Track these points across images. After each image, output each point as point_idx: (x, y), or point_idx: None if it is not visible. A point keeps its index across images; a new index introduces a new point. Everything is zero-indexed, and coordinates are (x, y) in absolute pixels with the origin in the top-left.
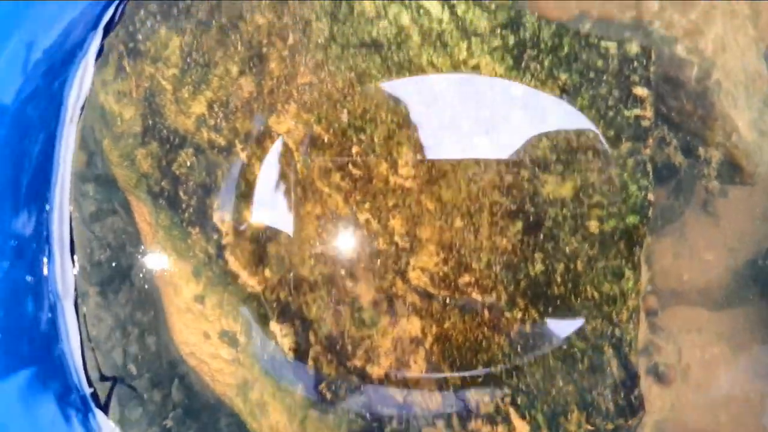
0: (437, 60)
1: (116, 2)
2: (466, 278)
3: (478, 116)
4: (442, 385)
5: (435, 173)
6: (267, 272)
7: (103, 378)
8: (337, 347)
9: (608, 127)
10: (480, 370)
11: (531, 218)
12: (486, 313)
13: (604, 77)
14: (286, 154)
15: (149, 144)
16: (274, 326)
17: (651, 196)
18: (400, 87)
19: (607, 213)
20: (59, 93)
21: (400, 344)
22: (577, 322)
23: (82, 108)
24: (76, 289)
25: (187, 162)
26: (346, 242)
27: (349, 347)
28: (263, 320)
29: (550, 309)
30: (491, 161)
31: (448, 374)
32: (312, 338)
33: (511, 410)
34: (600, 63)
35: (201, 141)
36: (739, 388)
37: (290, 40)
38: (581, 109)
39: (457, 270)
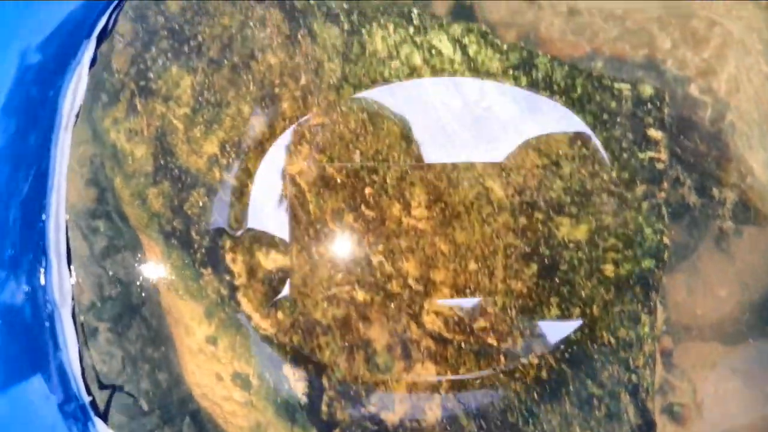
0: (450, 101)
1: (109, 11)
2: (481, 323)
3: (492, 155)
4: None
5: (448, 214)
6: (279, 315)
7: (102, 386)
8: (351, 393)
9: (623, 170)
10: (497, 416)
11: (546, 261)
12: (502, 358)
13: (618, 119)
14: (299, 195)
15: (161, 183)
16: (287, 370)
17: (666, 240)
18: (412, 126)
19: (622, 256)
20: (54, 101)
21: (415, 390)
22: (592, 367)
23: (77, 116)
24: (73, 298)
25: (199, 202)
26: (359, 284)
27: (363, 393)
28: (276, 364)
29: (566, 354)
30: (505, 202)
31: (464, 422)
32: (325, 383)
33: None
34: (613, 105)
35: (213, 181)
36: (753, 423)
37: (302, 80)
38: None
39: (471, 314)
